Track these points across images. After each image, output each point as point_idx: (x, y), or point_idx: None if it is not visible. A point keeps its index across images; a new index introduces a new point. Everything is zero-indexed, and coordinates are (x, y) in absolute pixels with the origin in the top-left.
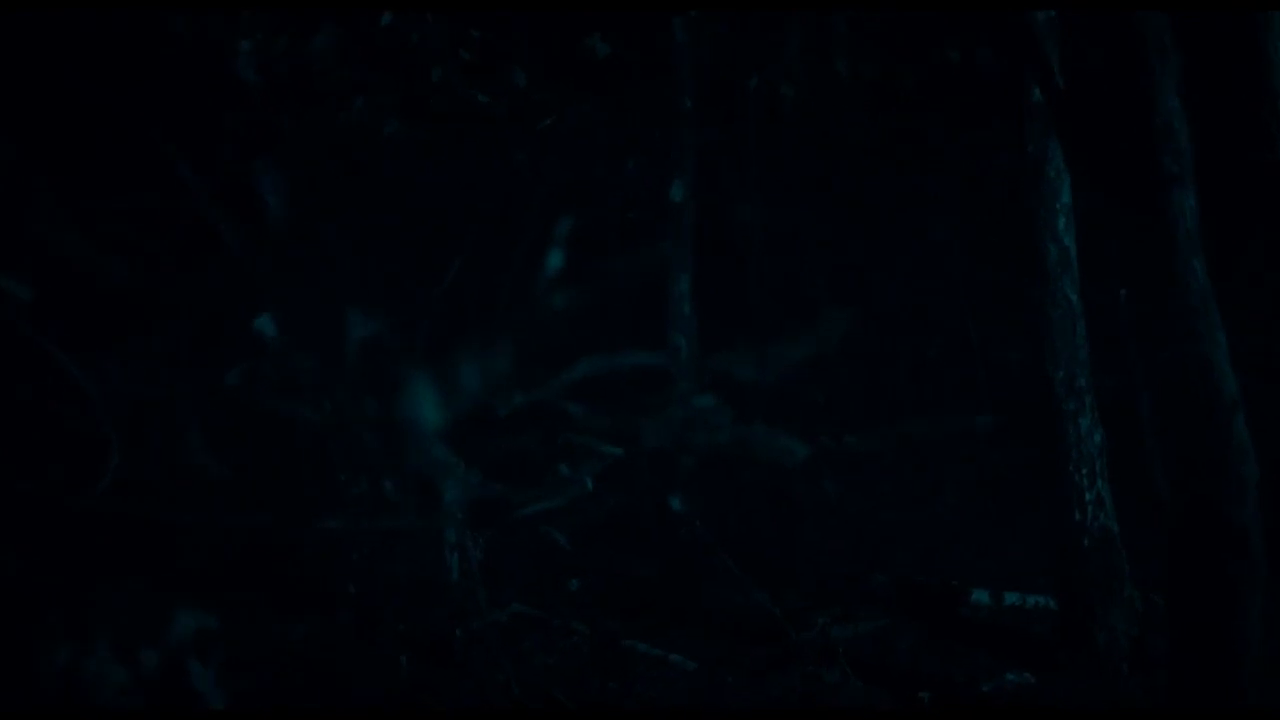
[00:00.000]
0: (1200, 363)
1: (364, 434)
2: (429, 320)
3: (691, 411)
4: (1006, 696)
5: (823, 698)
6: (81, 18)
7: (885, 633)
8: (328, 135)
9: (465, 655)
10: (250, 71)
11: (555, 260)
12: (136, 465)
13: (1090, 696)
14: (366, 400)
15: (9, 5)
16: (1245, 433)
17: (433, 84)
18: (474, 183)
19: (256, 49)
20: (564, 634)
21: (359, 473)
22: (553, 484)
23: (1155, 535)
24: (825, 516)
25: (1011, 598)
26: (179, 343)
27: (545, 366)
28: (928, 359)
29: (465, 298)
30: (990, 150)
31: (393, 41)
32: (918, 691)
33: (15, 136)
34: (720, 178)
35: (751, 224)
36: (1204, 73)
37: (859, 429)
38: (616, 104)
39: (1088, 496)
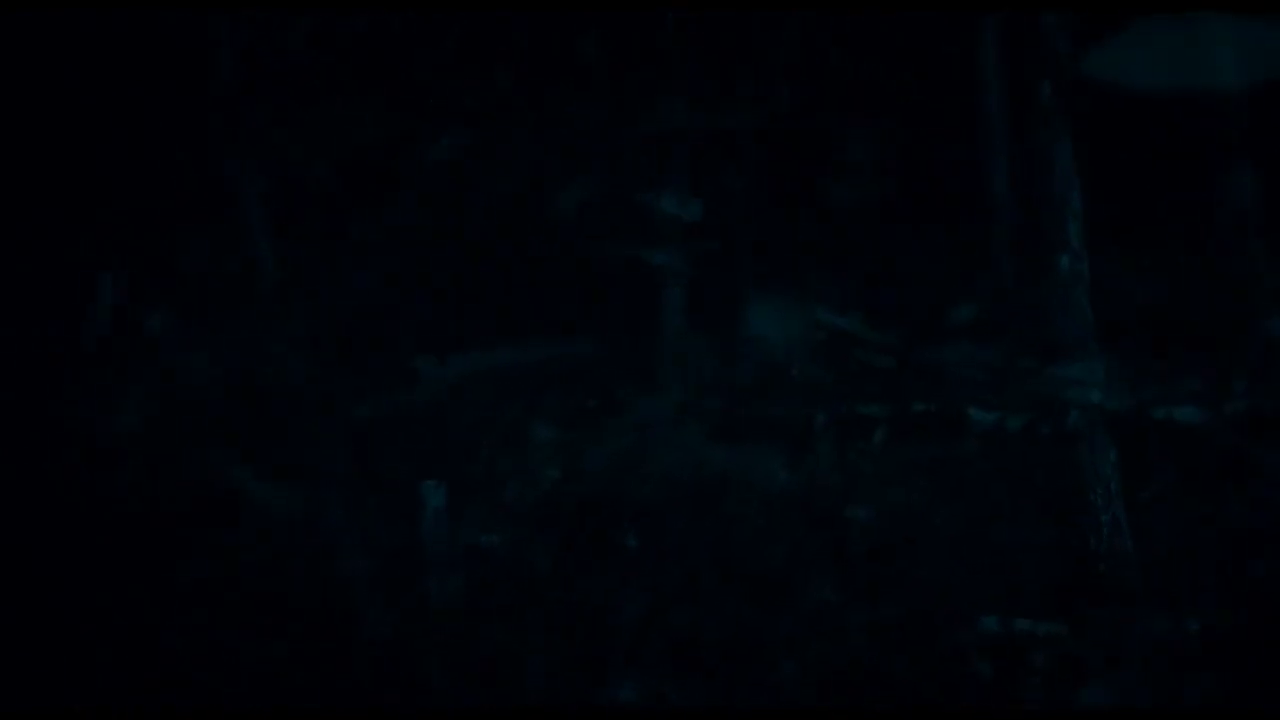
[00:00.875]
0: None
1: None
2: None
3: (656, 430)
4: None
5: None
6: (61, 14)
7: (888, 661)
8: (308, 134)
9: (441, 688)
10: (230, 69)
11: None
12: None
13: None
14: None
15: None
16: None
17: (416, 83)
18: (453, 186)
19: (237, 46)
20: (545, 671)
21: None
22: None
23: (1175, 560)
24: (822, 537)
25: (1022, 624)
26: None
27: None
28: (930, 371)
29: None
30: (996, 155)
31: (374, 38)
32: None
33: None
34: (716, 184)
35: (748, 233)
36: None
37: (857, 449)
38: (606, 106)
39: (1103, 519)
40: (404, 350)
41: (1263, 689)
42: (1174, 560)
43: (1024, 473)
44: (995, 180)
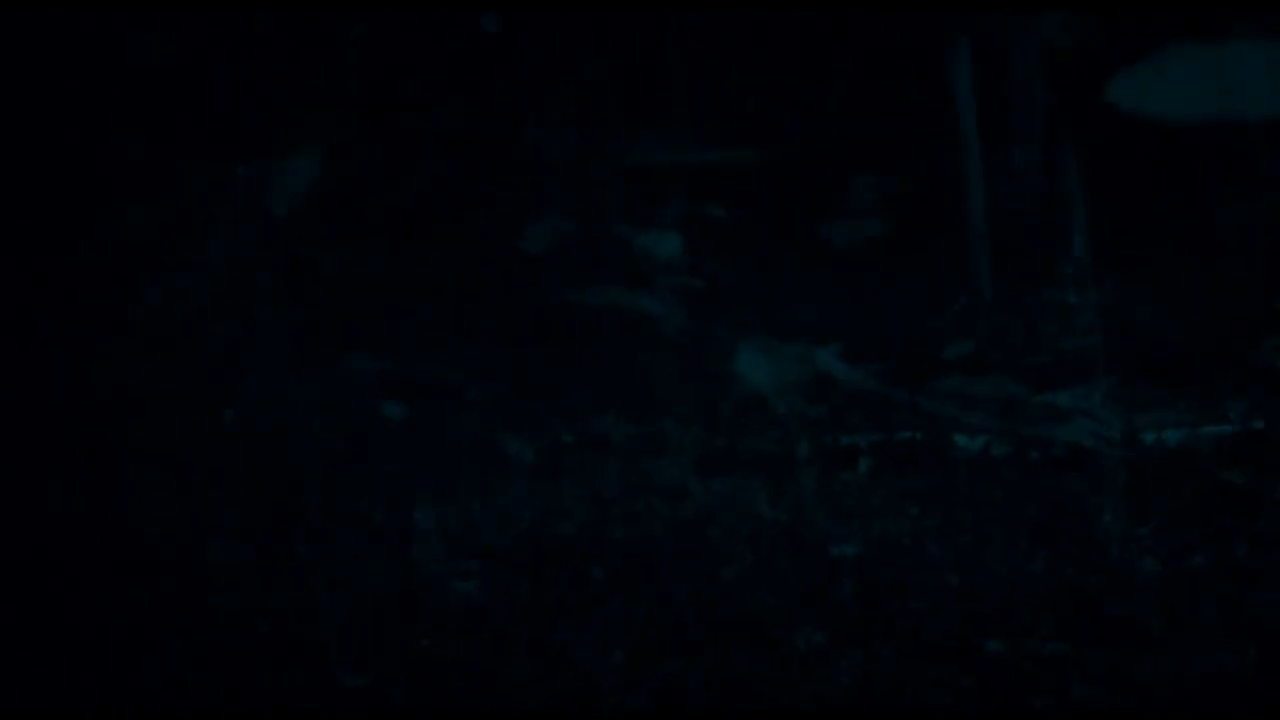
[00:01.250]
0: None
1: None
2: None
3: (637, 464)
4: None
5: None
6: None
7: (892, 687)
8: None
9: None
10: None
11: None
12: None
13: None
14: None
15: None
16: None
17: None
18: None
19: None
20: None
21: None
22: None
23: (1191, 582)
24: (809, 572)
25: (1029, 647)
26: None
27: None
28: (925, 393)
29: None
30: (996, 169)
31: (361, 55)
32: None
33: None
34: (702, 218)
35: (737, 269)
36: None
37: (842, 480)
38: (601, 132)
39: (1112, 549)
40: (373, 384)
41: None
42: (1174, 594)
43: (1020, 503)
44: (974, 205)
